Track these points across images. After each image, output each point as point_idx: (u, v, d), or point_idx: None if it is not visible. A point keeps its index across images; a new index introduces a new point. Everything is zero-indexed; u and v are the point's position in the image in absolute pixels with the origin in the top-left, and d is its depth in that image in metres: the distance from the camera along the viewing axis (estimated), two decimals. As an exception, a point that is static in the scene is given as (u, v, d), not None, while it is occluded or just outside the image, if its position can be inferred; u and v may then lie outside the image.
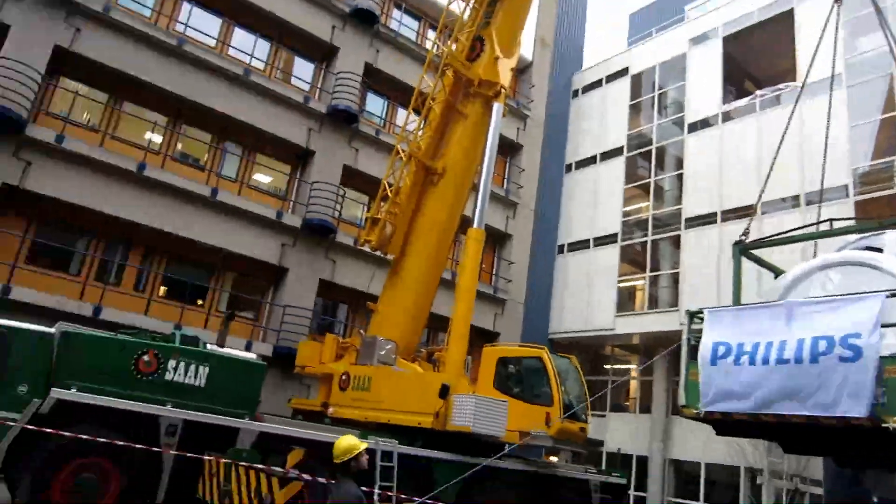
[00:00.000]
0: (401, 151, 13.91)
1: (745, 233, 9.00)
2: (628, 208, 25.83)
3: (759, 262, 9.38)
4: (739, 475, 20.17)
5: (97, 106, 16.56)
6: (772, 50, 23.58)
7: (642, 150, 25.85)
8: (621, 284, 24.76)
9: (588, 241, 26.11)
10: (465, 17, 14.35)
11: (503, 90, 13.74)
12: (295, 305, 17.63)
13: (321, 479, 7.65)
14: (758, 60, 24.76)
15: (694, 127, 24.12)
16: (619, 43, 36.13)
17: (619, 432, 23.68)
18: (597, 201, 26.36)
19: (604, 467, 20.08)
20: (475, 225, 12.54)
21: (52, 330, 8.59)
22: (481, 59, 13.84)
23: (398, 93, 21.45)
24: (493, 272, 23.65)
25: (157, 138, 17.28)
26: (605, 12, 39.54)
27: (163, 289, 16.99)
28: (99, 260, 16.06)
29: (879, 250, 7.58)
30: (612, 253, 25.12)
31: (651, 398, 23.45)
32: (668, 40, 26.34)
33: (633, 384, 26.06)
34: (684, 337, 7.87)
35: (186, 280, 17.03)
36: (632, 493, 21.66)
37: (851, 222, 11.86)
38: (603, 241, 25.56)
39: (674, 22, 28.21)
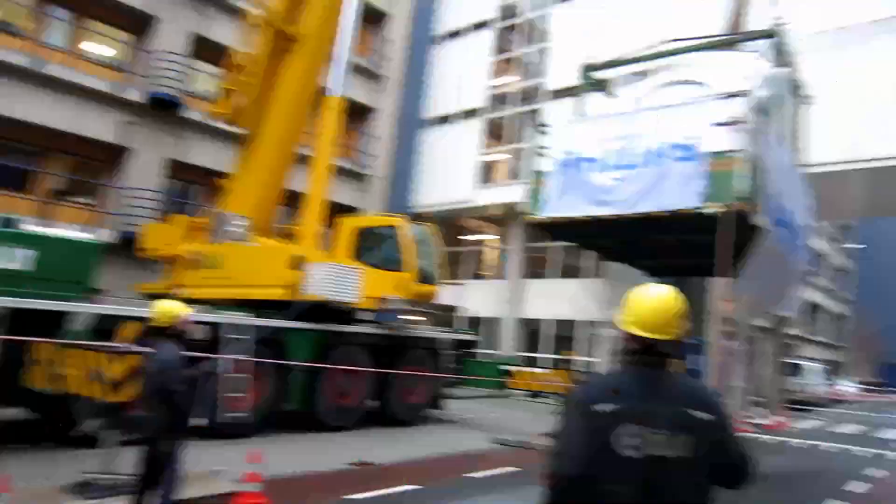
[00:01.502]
0: (255, 16, 12.93)
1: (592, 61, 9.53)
2: (495, 82, 25.89)
3: (598, 84, 9.76)
4: (578, 328, 22.33)
5: None
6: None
7: (511, 21, 25.61)
8: (483, 158, 25.29)
9: (454, 114, 26.12)
10: None
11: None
12: (139, 188, 16.59)
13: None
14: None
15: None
16: None
17: (477, 298, 25.01)
18: (463, 73, 26.15)
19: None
20: (332, 93, 12.14)
21: None
22: None
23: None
24: (357, 148, 23.28)
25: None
26: None
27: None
28: None
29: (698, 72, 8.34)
30: (476, 126, 25.38)
31: (506, 266, 24.90)
32: None
33: (491, 254, 27.36)
34: (530, 146, 8.42)
35: (12, 165, 15.46)
36: (485, 350, 23.46)
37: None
38: (468, 114, 25.69)
39: None
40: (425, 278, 12.86)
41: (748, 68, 7.83)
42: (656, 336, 2.15)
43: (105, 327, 8.53)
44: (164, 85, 16.95)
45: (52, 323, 8.27)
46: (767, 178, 7.06)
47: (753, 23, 11.79)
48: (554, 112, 23.15)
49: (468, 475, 8.42)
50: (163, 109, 17.12)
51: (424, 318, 12.79)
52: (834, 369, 41.63)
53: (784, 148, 8.05)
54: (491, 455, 9.92)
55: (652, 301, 2.21)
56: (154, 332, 5.18)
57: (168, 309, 5.19)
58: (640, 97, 8.62)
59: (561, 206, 7.77)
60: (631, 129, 7.49)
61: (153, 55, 17.11)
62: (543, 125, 8.52)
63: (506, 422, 13.69)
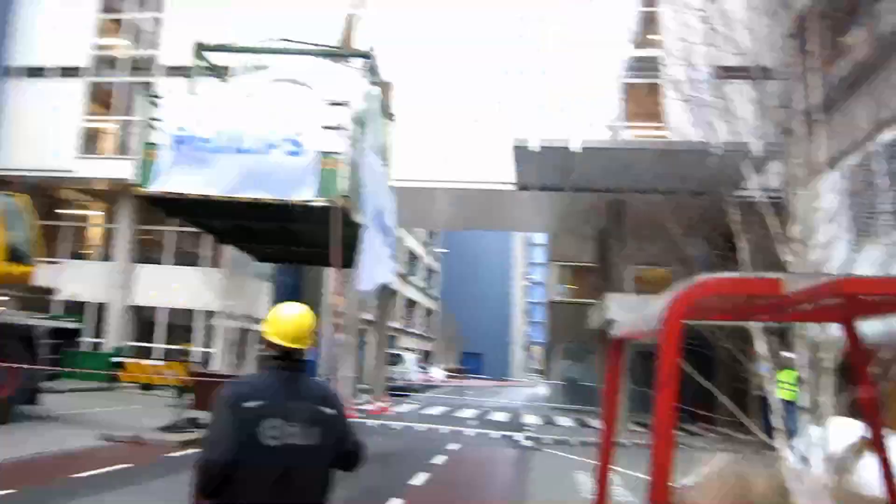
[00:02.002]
0: None
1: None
2: (102, 41, 23.32)
3: (210, 65, 10.01)
4: (196, 318, 21.90)
5: None
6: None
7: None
8: (87, 125, 22.67)
9: (50, 69, 22.71)
10: None
11: None
12: None
13: None
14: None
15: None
16: None
17: (78, 281, 22.42)
18: (62, 25, 22.85)
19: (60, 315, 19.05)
20: None
21: None
22: None
23: None
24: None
25: None
26: None
27: None
28: None
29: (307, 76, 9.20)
30: (77, 88, 22.55)
31: (113, 247, 22.87)
32: None
33: (96, 231, 24.77)
34: (143, 117, 8.25)
35: None
36: (91, 339, 21.23)
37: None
38: (68, 72, 22.62)
39: None
40: (16, 257, 11.33)
41: (350, 81, 9.06)
42: (295, 346, 2.64)
43: None
44: None
45: None
46: (364, 181, 8.30)
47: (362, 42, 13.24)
48: (168, 87, 21.96)
49: (74, 475, 8.00)
50: None
51: (11, 301, 11.26)
52: (426, 358, 48.31)
53: (376, 157, 9.32)
54: (99, 452, 9.45)
55: (292, 317, 2.68)
56: None
57: None
58: (252, 87, 9.13)
59: (171, 181, 7.81)
60: (243, 116, 7.96)
61: None
62: (156, 96, 8.43)
63: (115, 417, 12.96)
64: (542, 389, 38.10)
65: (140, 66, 22.91)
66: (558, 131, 15.30)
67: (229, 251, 17.81)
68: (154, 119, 8.05)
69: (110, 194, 23.48)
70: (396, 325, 40.72)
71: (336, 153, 7.73)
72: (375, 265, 9.04)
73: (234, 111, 8.00)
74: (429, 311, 56.69)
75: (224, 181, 7.68)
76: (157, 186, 7.82)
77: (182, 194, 7.79)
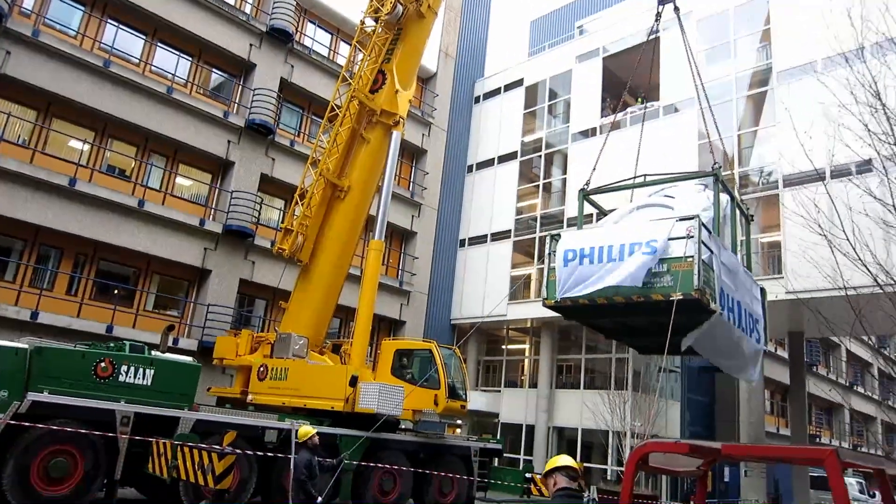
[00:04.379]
0: (311, 170, 15.87)
1: (587, 183, 12.03)
2: (521, 204, 28.96)
3: (594, 204, 12.34)
4: (608, 437, 23.91)
5: (28, 125, 17.81)
6: (645, 69, 26.93)
7: (535, 154, 28.95)
8: (514, 273, 27.97)
9: (486, 235, 29.09)
10: (370, 50, 15.95)
11: (402, 120, 15.94)
12: (217, 304, 19.61)
13: (248, 452, 10.17)
14: (633, 78, 28.11)
15: (577, 136, 27.36)
16: (521, 47, 38.99)
17: (512, 406, 26.96)
18: (494, 199, 29.32)
19: (499, 437, 23.39)
20: (376, 237, 14.92)
21: (25, 345, 10.51)
22: (382, 92, 15.84)
23: (312, 103, 23.47)
24: (399, 266, 26.24)
25: (86, 151, 18.71)
26: (508, 18, 42.22)
27: (94, 291, 18.60)
28: (34, 268, 17.50)
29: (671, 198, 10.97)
30: (506, 247, 28.22)
31: (538, 375, 26.90)
32: (557, 56, 29.40)
33: (524, 362, 29.45)
34: (547, 252, 10.72)
35: (115, 284, 18.68)
36: (522, 456, 25.07)
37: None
38: (498, 236, 28.62)
39: (565, 38, 31.31)
40: (454, 394, 15.07)
41: (699, 197, 10.57)
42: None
43: (205, 429, 11.11)
44: (237, 218, 20.27)
45: (166, 426, 10.87)
46: (719, 275, 9.49)
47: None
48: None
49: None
50: (237, 238, 20.37)
51: (455, 428, 14.93)
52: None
53: (730, 254, 10.43)
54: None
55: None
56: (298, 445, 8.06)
57: (306, 431, 8.15)
58: (623, 214, 11.14)
59: (566, 291, 10.01)
60: (616, 234, 9.96)
61: (231, 193, 20.56)
62: (557, 236, 10.76)
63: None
64: None
65: (553, 219, 27.57)
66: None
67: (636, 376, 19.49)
68: (554, 252, 10.59)
69: (535, 330, 28.03)
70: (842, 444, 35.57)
71: (687, 257, 9.20)
72: (735, 353, 10.28)
73: (608, 233, 10.19)
74: (890, 426, 47.41)
75: (598, 282, 9.73)
76: (558, 296, 10.15)
77: (574, 298, 9.96)
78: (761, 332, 11.23)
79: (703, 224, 9.47)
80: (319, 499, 9.09)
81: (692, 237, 9.24)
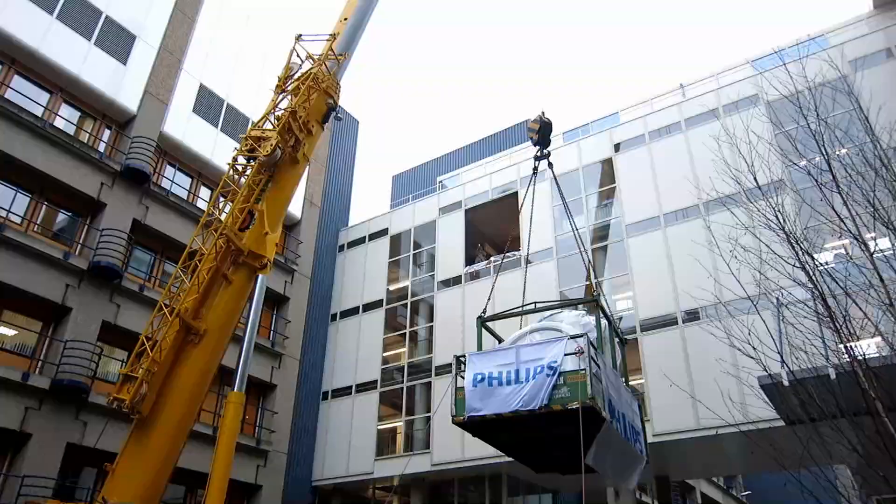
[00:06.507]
0: (164, 308, 13.95)
1: (484, 311, 13.01)
2: (387, 354, 28.18)
3: (490, 331, 13.09)
4: None
5: None
6: (505, 222, 28.39)
7: (400, 302, 28.80)
8: (381, 427, 26.52)
9: (350, 387, 27.73)
10: (240, 189, 15.01)
11: (269, 263, 15.12)
12: (34, 475, 16.47)
13: None
14: (495, 229, 29.57)
15: (442, 284, 27.72)
16: (383, 199, 40.23)
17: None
18: (359, 349, 28.37)
19: None
20: (235, 388, 13.46)
21: None
22: (251, 232, 14.90)
23: (166, 247, 22.01)
24: (257, 423, 24.01)
25: None
26: (371, 169, 43.92)
27: None
28: None
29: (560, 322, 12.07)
30: (372, 398, 26.94)
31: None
32: (421, 208, 30.40)
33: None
34: (453, 372, 11.44)
35: None
36: None
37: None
38: (364, 387, 27.37)
39: (426, 192, 32.67)
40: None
41: (583, 320, 11.85)
42: None
43: None
44: (70, 371, 17.72)
45: None
46: (604, 386, 10.57)
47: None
48: (440, 386, 25.43)
49: None
50: (67, 395, 17.69)
51: None
52: None
53: (612, 370, 11.73)
54: None
55: None
56: None
57: None
58: (519, 335, 12.12)
59: (476, 410, 10.81)
60: (518, 358, 10.92)
61: (65, 343, 18.12)
62: (463, 361, 11.50)
63: None
64: None
65: (418, 368, 26.92)
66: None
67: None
68: (462, 374, 11.39)
69: (404, 489, 26.26)
70: None
71: (580, 370, 10.22)
72: (622, 462, 11.44)
73: (511, 354, 11.08)
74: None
75: (505, 403, 10.54)
76: (466, 414, 10.82)
77: (482, 416, 10.67)
78: (643, 444, 12.48)
79: (590, 341, 10.62)
80: None
81: (583, 352, 10.34)
